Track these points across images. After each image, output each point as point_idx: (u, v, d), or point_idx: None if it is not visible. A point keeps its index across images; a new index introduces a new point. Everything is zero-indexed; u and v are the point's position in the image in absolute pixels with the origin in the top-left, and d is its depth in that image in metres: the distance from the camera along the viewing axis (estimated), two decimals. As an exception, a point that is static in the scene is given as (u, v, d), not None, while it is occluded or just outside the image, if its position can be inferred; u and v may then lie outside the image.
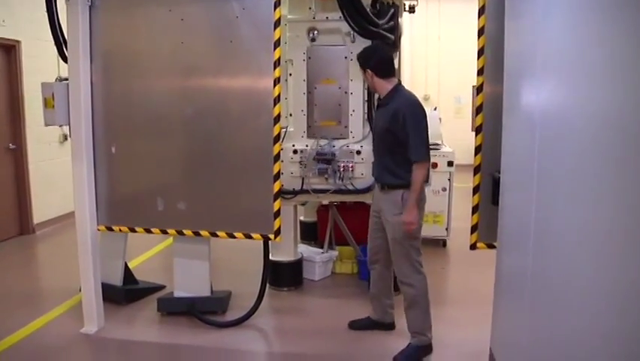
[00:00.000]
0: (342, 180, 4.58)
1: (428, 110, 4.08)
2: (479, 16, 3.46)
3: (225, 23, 3.78)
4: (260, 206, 3.86)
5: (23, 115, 6.86)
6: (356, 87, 4.60)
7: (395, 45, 4.75)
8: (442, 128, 6.71)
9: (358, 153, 4.57)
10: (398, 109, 3.61)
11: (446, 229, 6.18)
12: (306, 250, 5.46)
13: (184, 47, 3.88)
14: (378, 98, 3.95)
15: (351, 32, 4.49)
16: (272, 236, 3.86)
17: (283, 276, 5.08)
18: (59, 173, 6.96)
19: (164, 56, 3.94)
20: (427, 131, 3.67)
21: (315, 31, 4.63)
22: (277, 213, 3.83)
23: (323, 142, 4.63)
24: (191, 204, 4.00)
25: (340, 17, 4.47)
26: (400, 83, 3.84)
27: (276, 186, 3.80)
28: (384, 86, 3.76)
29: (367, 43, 4.37)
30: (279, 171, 3.80)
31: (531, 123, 2.36)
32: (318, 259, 5.28)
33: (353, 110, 4.63)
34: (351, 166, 4.55)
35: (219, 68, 3.90)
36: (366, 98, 4.64)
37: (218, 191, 3.95)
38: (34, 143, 7.03)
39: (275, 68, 3.68)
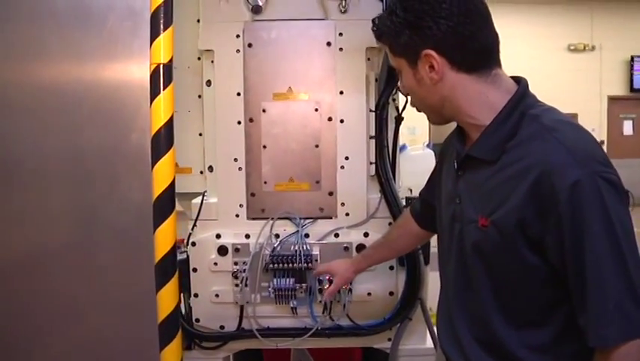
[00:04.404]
0: (329, 311, 2.11)
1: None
2: None
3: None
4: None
5: None
6: (351, 107, 2.15)
7: None
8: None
9: (361, 249, 2.11)
10: (545, 177, 1.13)
11: None
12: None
13: None
14: (458, 135, 1.39)
15: (341, -10, 2.06)
16: None
17: None
18: None
19: None
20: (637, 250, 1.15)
21: (262, -9, 2.13)
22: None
23: (284, 229, 2.15)
24: None
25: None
26: (526, 86, 1.32)
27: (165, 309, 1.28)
28: (485, 98, 1.27)
29: (371, 13, 1.83)
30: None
31: None
32: None
33: (346, 158, 2.16)
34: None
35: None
36: (372, 133, 2.17)
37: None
38: None
39: (155, 39, 1.16)
